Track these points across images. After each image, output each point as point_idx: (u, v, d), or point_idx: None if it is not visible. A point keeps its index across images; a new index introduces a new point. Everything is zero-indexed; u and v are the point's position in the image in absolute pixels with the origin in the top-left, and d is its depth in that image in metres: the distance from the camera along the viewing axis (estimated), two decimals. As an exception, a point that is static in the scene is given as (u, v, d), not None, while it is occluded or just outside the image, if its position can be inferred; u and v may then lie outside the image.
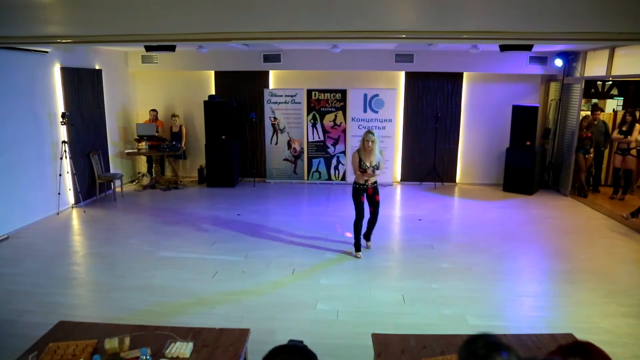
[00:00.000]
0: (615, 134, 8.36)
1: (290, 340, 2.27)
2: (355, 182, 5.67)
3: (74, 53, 7.95)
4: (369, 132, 5.49)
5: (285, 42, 8.24)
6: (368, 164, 5.48)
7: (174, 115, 9.69)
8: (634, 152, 8.09)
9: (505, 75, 9.48)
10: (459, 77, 9.60)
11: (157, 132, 9.51)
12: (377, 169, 5.53)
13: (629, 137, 8.03)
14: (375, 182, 5.71)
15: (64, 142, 7.56)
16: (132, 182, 10.02)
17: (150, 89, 10.20)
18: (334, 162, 9.91)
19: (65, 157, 7.58)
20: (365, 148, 5.48)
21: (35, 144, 7.10)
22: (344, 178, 9.91)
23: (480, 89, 9.68)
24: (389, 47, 8.96)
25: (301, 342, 2.20)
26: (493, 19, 4.00)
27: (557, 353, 1.93)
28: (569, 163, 8.85)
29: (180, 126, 9.71)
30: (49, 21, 4.34)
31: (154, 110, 9.66)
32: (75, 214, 7.67)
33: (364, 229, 5.89)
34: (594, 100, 10.07)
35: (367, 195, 5.69)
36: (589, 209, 8.09)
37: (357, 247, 5.81)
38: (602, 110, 9.65)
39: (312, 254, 5.85)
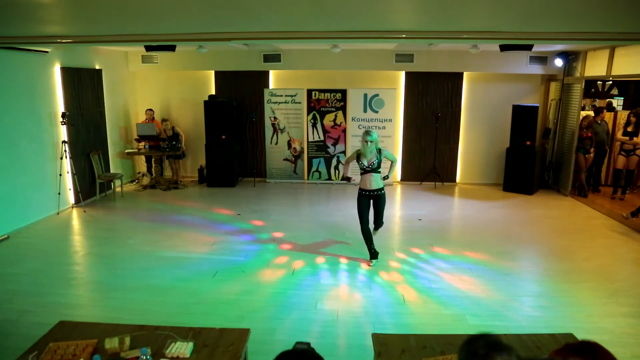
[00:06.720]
0: (620, 135, 8.32)
1: (297, 343, 2.23)
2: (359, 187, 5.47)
3: (74, 53, 7.95)
4: (366, 132, 5.28)
5: (285, 42, 8.24)
6: (366, 162, 5.29)
7: (164, 120, 9.56)
8: (639, 152, 8.07)
9: (505, 75, 9.47)
10: (459, 77, 9.59)
11: (158, 132, 9.51)
12: (373, 170, 5.27)
13: (634, 138, 8.00)
14: (379, 189, 5.37)
15: (64, 142, 7.56)
16: (132, 182, 10.02)
17: (150, 89, 10.20)
18: (334, 162, 9.92)
19: (66, 157, 7.58)
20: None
21: (35, 144, 7.10)
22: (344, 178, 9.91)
23: (480, 89, 9.68)
24: (389, 47, 8.96)
25: (308, 344, 2.16)
26: (493, 19, 4.00)
27: (563, 352, 1.92)
28: (569, 163, 8.86)
29: (173, 128, 9.56)
30: (49, 21, 4.34)
31: (150, 109, 9.63)
32: (75, 213, 7.67)
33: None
34: (597, 101, 10.06)
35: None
36: (589, 208, 8.09)
37: (370, 255, 5.53)
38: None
39: (312, 254, 5.85)
